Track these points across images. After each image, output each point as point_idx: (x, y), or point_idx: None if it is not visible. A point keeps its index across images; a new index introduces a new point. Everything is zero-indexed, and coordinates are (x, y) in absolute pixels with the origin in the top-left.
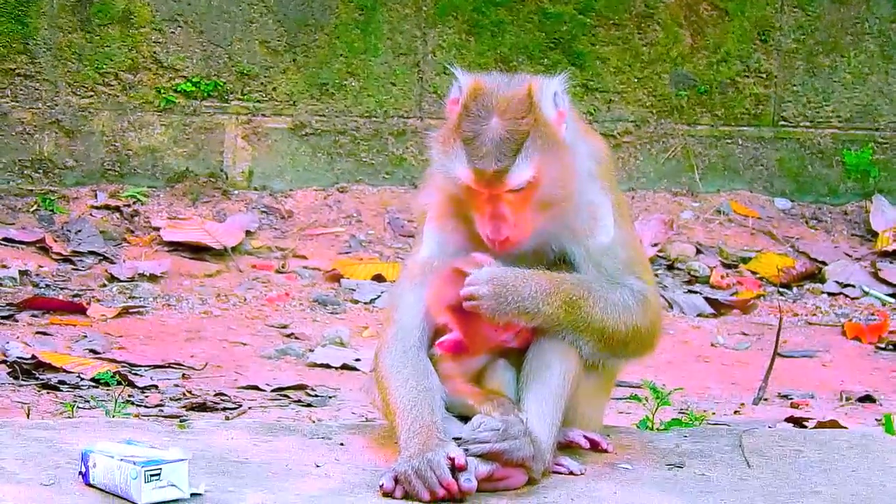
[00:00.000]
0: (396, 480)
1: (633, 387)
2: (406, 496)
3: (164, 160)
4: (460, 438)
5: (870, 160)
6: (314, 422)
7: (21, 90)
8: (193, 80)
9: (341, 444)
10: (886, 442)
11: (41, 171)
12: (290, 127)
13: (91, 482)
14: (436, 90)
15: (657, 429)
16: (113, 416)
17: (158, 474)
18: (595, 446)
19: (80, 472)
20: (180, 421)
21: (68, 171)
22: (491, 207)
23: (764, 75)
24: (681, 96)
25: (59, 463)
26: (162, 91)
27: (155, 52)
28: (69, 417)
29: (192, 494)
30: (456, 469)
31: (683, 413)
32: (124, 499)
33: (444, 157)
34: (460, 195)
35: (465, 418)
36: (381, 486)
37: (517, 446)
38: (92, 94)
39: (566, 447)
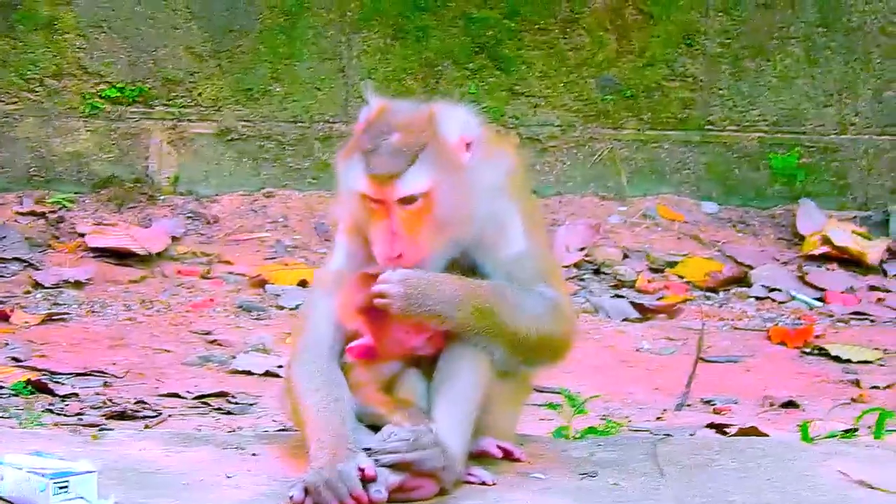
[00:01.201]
0: (306, 491)
1: (555, 393)
2: None
3: (90, 166)
4: (370, 449)
5: (796, 164)
6: (233, 430)
7: None
8: (118, 85)
9: (254, 455)
10: (803, 450)
11: None
12: (216, 132)
13: (0, 494)
14: (361, 95)
15: (573, 437)
16: (25, 427)
17: (67, 486)
18: (508, 455)
19: None
20: (97, 430)
21: None
22: (385, 222)
23: (690, 79)
24: (607, 101)
25: None
26: (87, 97)
27: (79, 58)
28: None
29: None
30: (366, 480)
31: (604, 420)
32: None
33: (345, 170)
34: (359, 210)
35: (376, 428)
36: (290, 498)
37: (427, 456)
38: (16, 100)
39: (479, 456)
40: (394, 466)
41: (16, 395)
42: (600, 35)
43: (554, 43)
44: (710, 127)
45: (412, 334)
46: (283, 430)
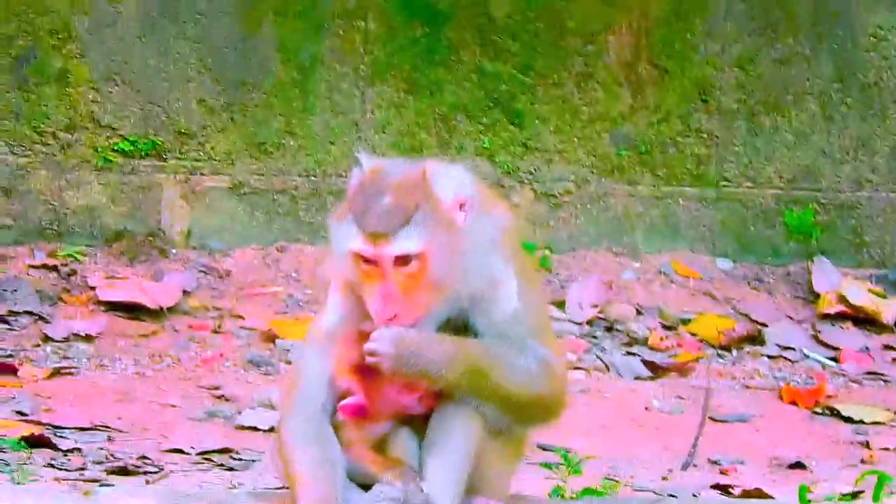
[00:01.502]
0: None
1: (555, 452)
2: None
3: (102, 219)
4: None
5: (812, 221)
6: (232, 486)
7: None
8: (131, 138)
9: None
10: None
11: None
12: (229, 186)
13: None
14: (375, 148)
15: (570, 497)
16: (18, 482)
17: None
18: None
19: None
20: (95, 485)
21: (5, 230)
22: (380, 284)
23: (705, 135)
24: (621, 156)
25: None
26: (100, 150)
27: (92, 111)
28: None
29: None
30: None
31: (610, 479)
32: None
33: (337, 232)
34: (353, 272)
35: (367, 486)
36: None
37: None
38: (29, 153)
39: None
40: None
41: (16, 451)
42: (615, 90)
43: (568, 97)
44: (725, 183)
45: (404, 393)
46: (279, 488)
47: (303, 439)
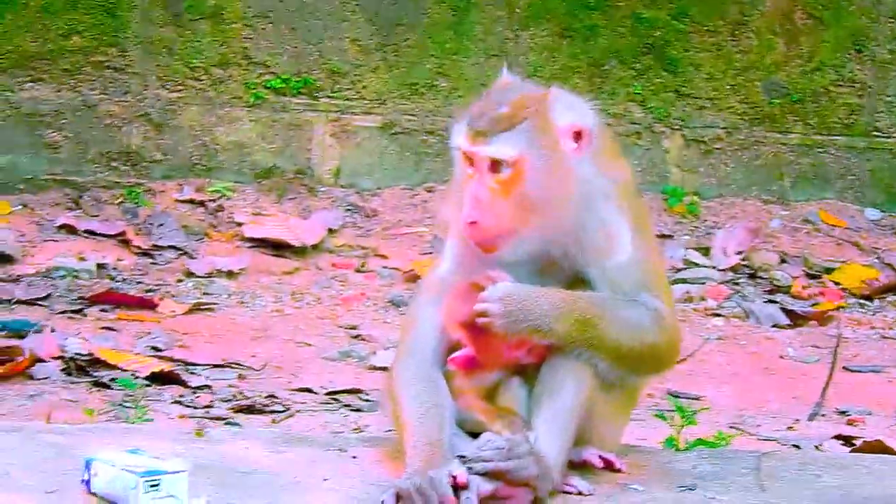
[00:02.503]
0: (398, 497)
1: (692, 398)
2: None
3: (252, 156)
4: (464, 456)
5: None
6: (358, 428)
7: (110, 83)
8: (283, 76)
9: (354, 457)
10: None
11: (128, 163)
12: (380, 126)
13: (93, 491)
14: None
15: (680, 448)
16: (132, 422)
17: (158, 485)
18: (609, 466)
19: (83, 480)
20: (214, 423)
21: (155, 165)
22: (473, 188)
23: (858, 85)
24: (773, 104)
25: (66, 469)
26: (251, 87)
27: (245, 48)
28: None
29: None
30: (458, 487)
31: (734, 427)
32: None
33: (452, 131)
34: (460, 176)
35: (476, 435)
36: (382, 502)
37: (522, 465)
38: (181, 87)
39: (580, 466)
40: (487, 475)
41: (148, 386)
42: (769, 38)
43: (722, 45)
44: (876, 133)
45: (514, 347)
46: (390, 430)
47: (413, 385)
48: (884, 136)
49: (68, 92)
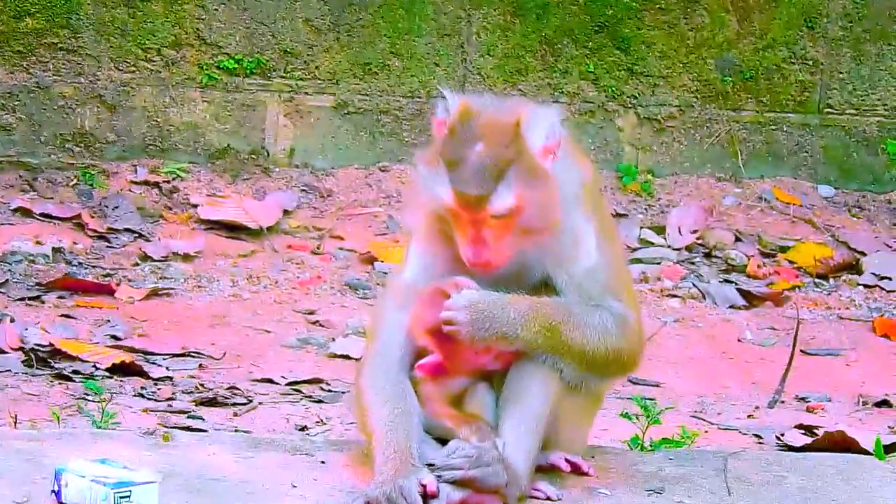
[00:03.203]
0: None
1: (651, 385)
2: None
3: (206, 136)
4: (433, 465)
5: None
6: (304, 430)
7: (63, 64)
8: (236, 57)
9: (322, 462)
10: (874, 469)
11: (82, 145)
12: (333, 105)
13: (63, 501)
14: (479, 71)
15: (646, 448)
16: (100, 426)
17: (129, 496)
18: (576, 469)
19: (53, 491)
20: (187, 416)
21: (109, 146)
22: (473, 231)
23: (810, 62)
24: (726, 82)
25: (35, 478)
26: (205, 67)
27: (198, 29)
28: (56, 425)
29: None
30: (427, 496)
31: (695, 416)
32: None
33: (429, 178)
34: (444, 216)
35: (443, 441)
36: None
37: (490, 473)
38: (134, 69)
39: (548, 470)
40: (456, 483)
41: (109, 377)
42: (721, 16)
43: (674, 23)
44: (829, 110)
45: (481, 353)
46: (352, 423)
47: (380, 392)
48: (836, 113)
49: (21, 73)
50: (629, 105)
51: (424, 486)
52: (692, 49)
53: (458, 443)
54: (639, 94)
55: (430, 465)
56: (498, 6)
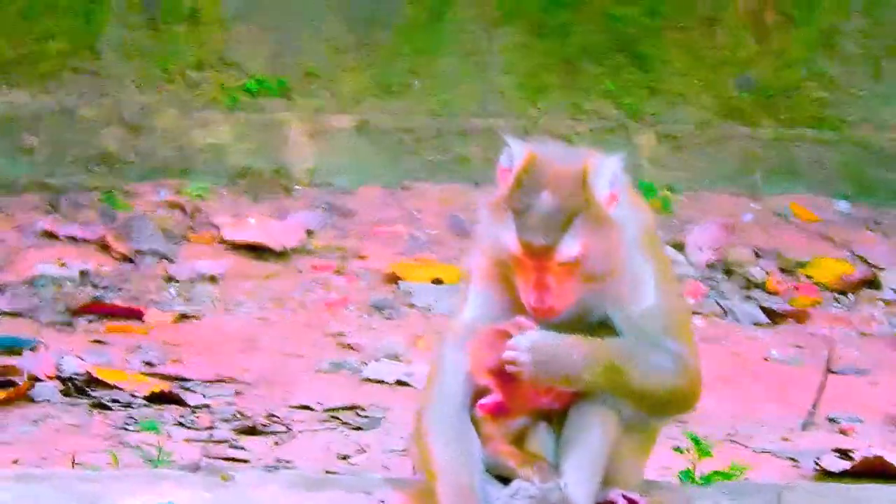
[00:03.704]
0: None
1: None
2: None
3: (228, 157)
4: None
5: None
6: (362, 451)
7: (86, 87)
8: (258, 78)
9: (381, 502)
10: None
11: (105, 166)
12: (355, 125)
13: None
14: (500, 90)
15: (697, 482)
16: (156, 466)
17: None
18: None
19: None
20: (224, 473)
21: (132, 167)
22: (536, 278)
23: (827, 80)
24: (744, 99)
25: None
26: (227, 89)
27: (220, 51)
28: (113, 467)
29: None
30: None
31: (732, 440)
32: None
33: (495, 225)
34: (507, 262)
35: (504, 479)
36: None
37: None
38: (157, 91)
39: None
40: None
41: (147, 406)
42: (740, 35)
43: (693, 42)
44: (845, 127)
45: (542, 394)
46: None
47: (442, 433)
48: (853, 130)
49: (45, 96)
50: (649, 123)
51: None
52: (711, 68)
53: (522, 483)
54: (658, 112)
55: None
56: (519, 25)
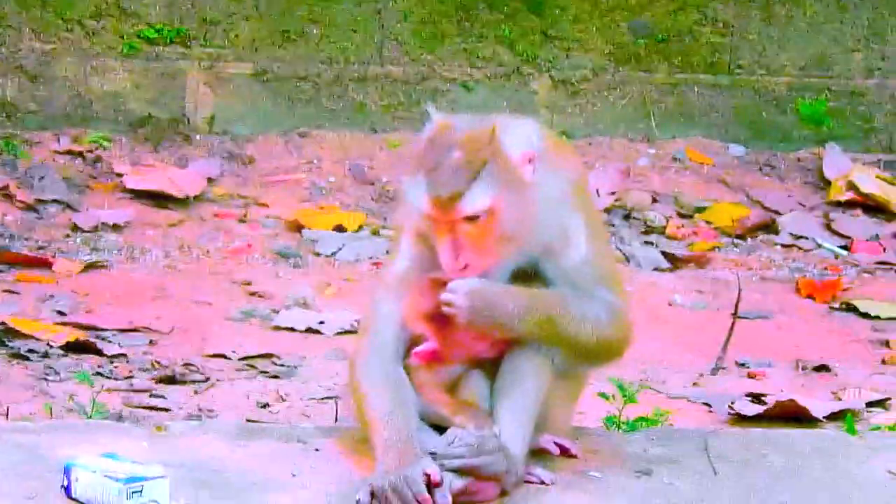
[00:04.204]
0: (372, 495)
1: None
2: None
3: (127, 105)
4: (435, 453)
5: (823, 109)
6: (282, 399)
7: None
8: (156, 26)
9: (317, 450)
10: (850, 446)
11: (4, 115)
12: (252, 73)
13: (73, 496)
14: (396, 37)
15: (623, 428)
16: (92, 418)
17: (140, 491)
18: (565, 452)
19: (63, 486)
20: (157, 425)
21: (31, 116)
22: (450, 237)
23: (721, 24)
24: (639, 45)
25: (41, 473)
26: (125, 37)
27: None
28: (47, 418)
29: None
30: (432, 485)
31: (645, 385)
32: None
33: (408, 187)
34: (424, 225)
35: (439, 428)
36: (357, 501)
37: (491, 461)
38: (55, 39)
39: (537, 453)
40: (458, 471)
41: (65, 356)
42: None
43: None
44: (739, 71)
45: (477, 341)
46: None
47: (377, 382)
48: (746, 74)
49: None
50: (544, 69)
51: (428, 475)
52: (605, 12)
53: (458, 431)
54: (553, 58)
55: (431, 453)
56: None
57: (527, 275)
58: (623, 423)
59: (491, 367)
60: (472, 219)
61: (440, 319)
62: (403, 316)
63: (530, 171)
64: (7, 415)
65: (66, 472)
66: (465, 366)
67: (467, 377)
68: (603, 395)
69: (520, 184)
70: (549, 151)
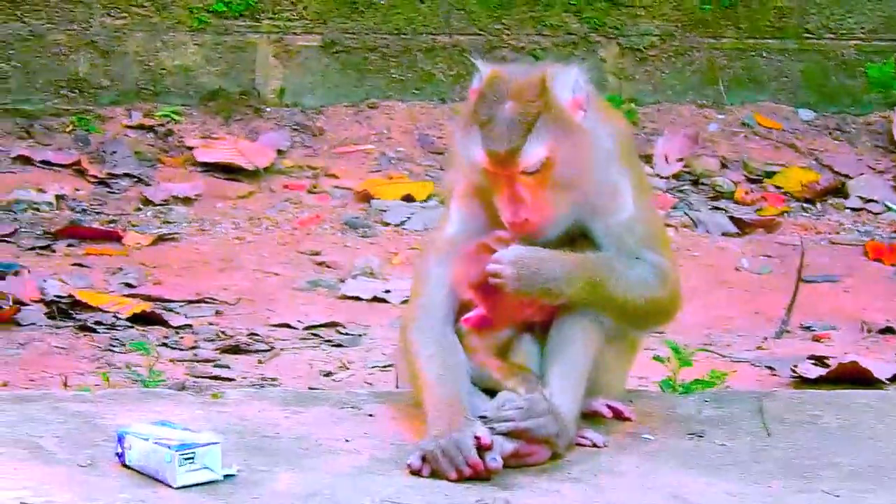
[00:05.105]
0: (424, 459)
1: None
2: (433, 475)
3: (197, 79)
4: (486, 417)
5: (893, 72)
6: (344, 368)
7: (56, 12)
8: (225, 0)
9: (370, 416)
10: None
11: (76, 91)
12: (321, 45)
13: (127, 463)
14: (464, 7)
15: (678, 390)
16: (147, 387)
17: (192, 457)
18: (618, 415)
19: (117, 453)
20: (213, 392)
21: (103, 91)
22: (509, 191)
23: None
24: (706, 10)
25: (96, 441)
26: (194, 11)
27: None
28: (105, 387)
29: (224, 476)
30: (482, 448)
31: (708, 349)
32: (160, 481)
33: (462, 142)
34: (480, 179)
35: (490, 391)
36: (409, 465)
37: (542, 424)
38: (125, 15)
39: (589, 416)
40: (509, 434)
41: (131, 327)
42: None
43: None
44: (807, 35)
45: (526, 307)
46: (374, 366)
47: (428, 346)
48: (814, 38)
49: (15, 22)
50: (611, 36)
51: (479, 439)
52: None
53: (508, 394)
54: (620, 25)
55: (482, 417)
56: None
57: (573, 240)
58: (679, 386)
59: (541, 330)
60: (530, 171)
61: (488, 287)
62: (453, 283)
63: (582, 115)
64: (66, 384)
65: (120, 440)
66: (515, 330)
67: (518, 341)
68: (658, 358)
69: (573, 130)
70: (596, 105)
